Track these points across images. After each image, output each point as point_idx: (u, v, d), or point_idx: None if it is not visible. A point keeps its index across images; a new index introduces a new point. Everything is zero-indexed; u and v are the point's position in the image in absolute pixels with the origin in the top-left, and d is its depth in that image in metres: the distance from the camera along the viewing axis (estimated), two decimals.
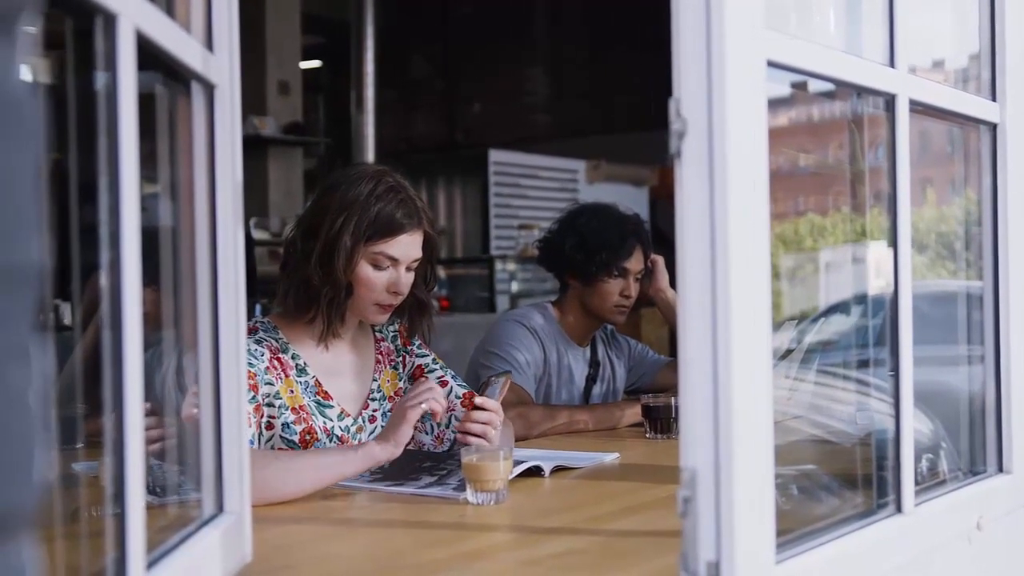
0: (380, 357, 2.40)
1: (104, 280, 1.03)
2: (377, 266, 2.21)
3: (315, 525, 1.83)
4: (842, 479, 1.76)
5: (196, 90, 1.36)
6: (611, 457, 2.38)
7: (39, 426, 0.59)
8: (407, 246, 2.22)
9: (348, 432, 2.27)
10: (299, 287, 2.22)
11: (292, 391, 2.20)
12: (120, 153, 1.02)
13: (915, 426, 1.59)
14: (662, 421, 2.67)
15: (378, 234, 2.19)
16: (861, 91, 1.58)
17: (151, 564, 1.11)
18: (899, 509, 1.54)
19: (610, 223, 3.06)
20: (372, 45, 8.69)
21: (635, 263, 3.05)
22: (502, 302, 7.44)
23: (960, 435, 1.94)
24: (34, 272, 0.59)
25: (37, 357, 0.59)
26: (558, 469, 2.21)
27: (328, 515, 1.86)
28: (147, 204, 1.11)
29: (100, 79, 1.03)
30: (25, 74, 0.59)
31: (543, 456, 2.23)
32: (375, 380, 2.36)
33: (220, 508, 1.39)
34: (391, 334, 2.44)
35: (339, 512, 1.87)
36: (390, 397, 2.37)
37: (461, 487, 1.93)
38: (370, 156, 8.69)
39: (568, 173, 8.50)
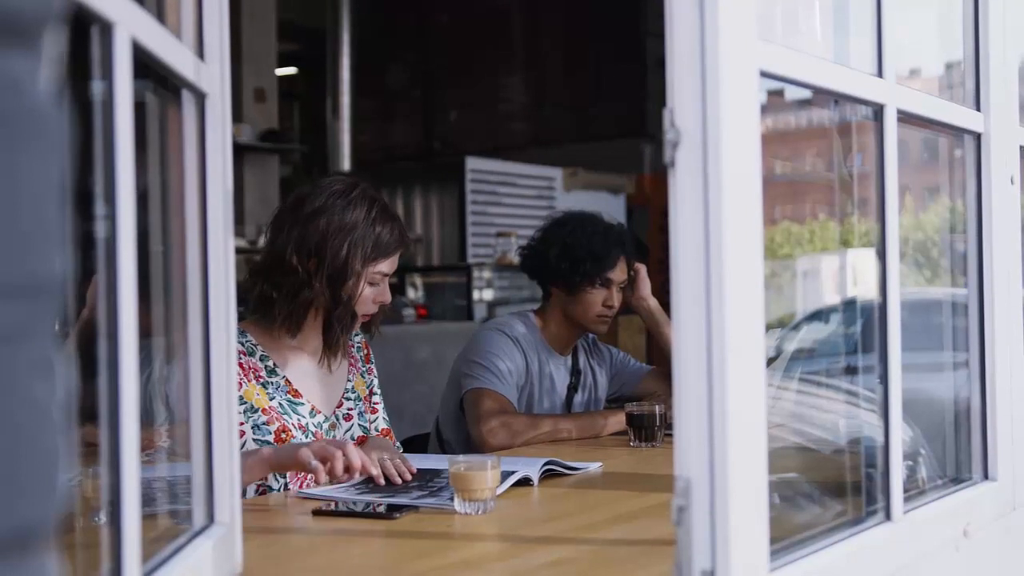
0: (352, 360, 2.49)
1: (100, 290, 1.02)
2: (372, 283, 2.33)
3: (305, 536, 1.82)
4: (828, 487, 1.77)
5: (187, 99, 1.35)
6: (595, 466, 2.38)
7: (63, 439, 0.59)
8: (396, 261, 2.37)
9: (321, 428, 2.35)
10: (303, 308, 2.29)
11: (259, 394, 2.26)
12: (116, 161, 1.01)
13: None
14: (646, 429, 2.68)
15: (380, 256, 2.32)
16: (850, 101, 1.59)
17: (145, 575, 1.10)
18: (888, 516, 1.54)
19: (595, 233, 3.06)
20: (348, 52, 8.69)
21: (619, 273, 3.06)
22: (480, 310, 7.42)
23: (943, 443, 1.95)
24: (58, 285, 0.58)
25: (59, 370, 0.59)
26: (547, 474, 2.21)
27: (318, 526, 1.85)
28: (136, 213, 1.11)
29: (95, 87, 1.03)
30: (49, 87, 0.59)
31: (528, 464, 2.23)
32: (349, 380, 2.46)
33: (211, 519, 1.38)
34: (356, 344, 2.54)
35: (329, 523, 1.86)
36: (364, 398, 2.48)
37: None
38: (346, 164, 8.68)
39: (545, 181, 8.50)
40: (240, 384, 2.22)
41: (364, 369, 2.52)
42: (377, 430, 2.45)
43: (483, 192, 8.20)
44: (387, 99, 10.48)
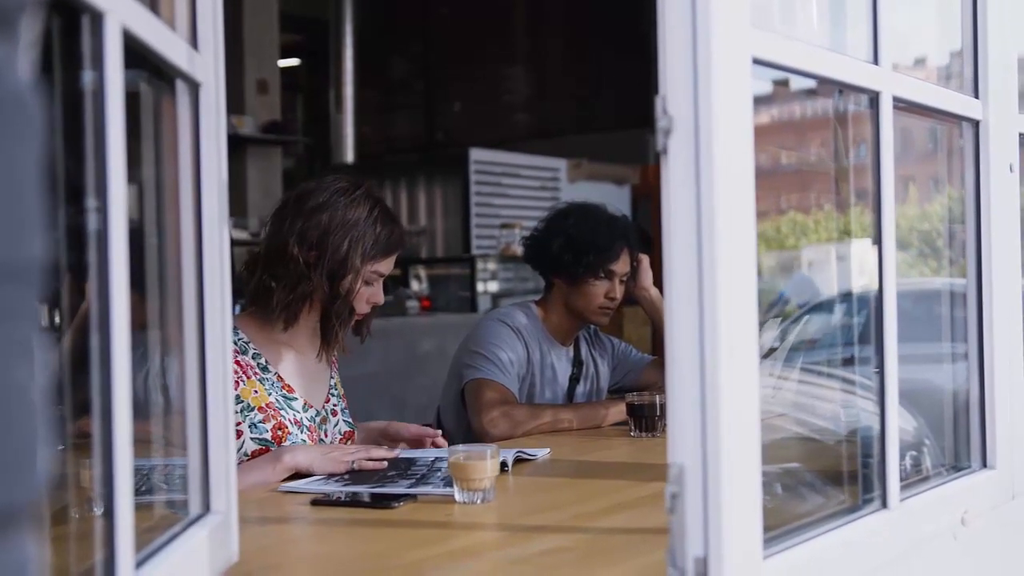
0: (334, 360, 2.53)
1: (91, 282, 1.02)
2: (367, 282, 2.36)
3: (302, 525, 1.83)
4: (827, 476, 1.77)
5: (181, 88, 1.35)
6: (543, 452, 2.41)
7: (42, 421, 0.59)
8: (392, 263, 2.41)
9: (314, 422, 2.38)
10: (300, 300, 2.31)
11: (256, 391, 2.29)
12: (107, 152, 1.01)
13: (899, 423, 1.59)
14: (647, 419, 2.68)
15: (379, 255, 2.34)
16: (845, 88, 1.59)
17: (139, 564, 1.11)
18: (884, 504, 1.54)
19: (599, 225, 3.05)
20: (351, 44, 8.69)
21: (622, 265, 3.05)
22: (484, 302, 7.42)
23: (944, 431, 1.95)
24: (37, 268, 0.59)
25: (40, 353, 0.59)
26: (518, 461, 2.26)
27: (315, 515, 1.86)
28: (130, 204, 1.11)
29: (86, 77, 1.03)
30: (26, 72, 0.59)
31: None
32: (332, 378, 2.50)
33: (207, 508, 1.39)
34: None
35: (326, 512, 1.87)
36: (342, 396, 2.53)
37: (448, 483, 1.93)
38: (349, 156, 8.68)
39: (549, 172, 8.49)
40: (237, 383, 2.24)
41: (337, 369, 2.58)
42: (340, 433, 2.47)
43: (487, 183, 8.20)
44: (390, 91, 10.49)
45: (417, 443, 2.46)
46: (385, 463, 2.18)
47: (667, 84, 1.20)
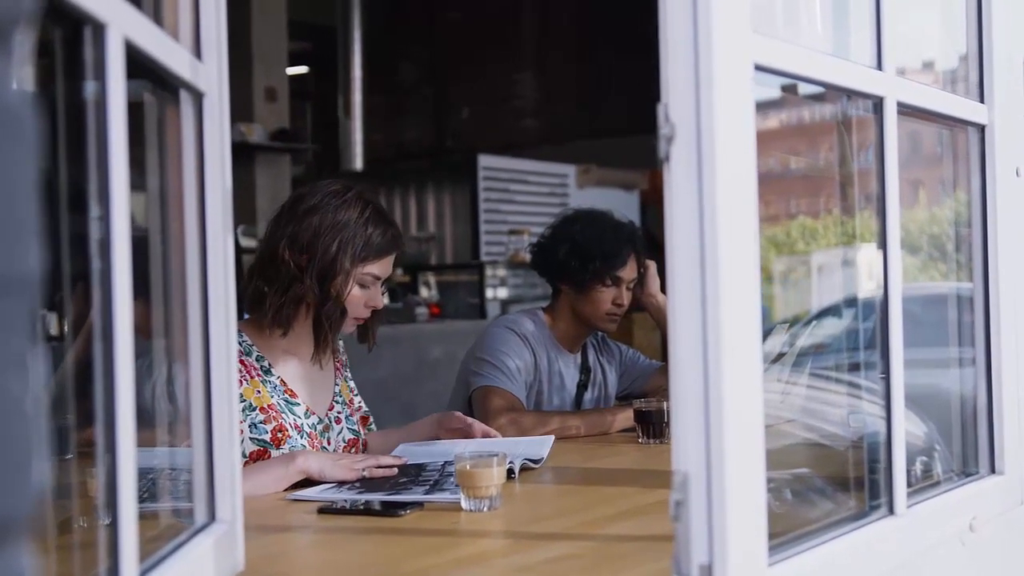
0: (338, 366, 2.53)
1: (94, 291, 1.03)
2: (362, 285, 2.35)
3: (307, 534, 1.82)
4: (835, 482, 1.76)
5: (185, 98, 1.36)
6: (548, 441, 2.45)
7: (37, 433, 0.59)
8: (389, 265, 2.39)
9: (315, 430, 2.38)
10: (293, 303, 2.31)
11: (259, 391, 2.30)
12: (110, 162, 1.02)
13: (908, 429, 1.59)
14: (654, 425, 2.67)
15: (371, 256, 2.33)
16: (849, 94, 1.58)
17: (144, 572, 1.11)
18: (891, 511, 1.54)
19: (605, 231, 3.05)
20: (359, 50, 8.69)
21: (628, 272, 3.05)
22: (492, 308, 7.42)
23: (952, 437, 1.94)
24: (33, 281, 0.59)
25: (34, 365, 0.59)
26: (524, 469, 2.26)
27: (321, 524, 1.86)
28: (134, 214, 1.11)
29: (89, 88, 1.03)
30: (22, 84, 0.59)
31: (501, 445, 2.33)
32: (336, 385, 2.50)
33: (212, 517, 1.39)
34: (340, 350, 2.59)
35: (333, 521, 1.86)
36: (348, 402, 2.51)
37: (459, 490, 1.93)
38: (358, 163, 8.68)
39: (558, 178, 8.49)
40: (240, 382, 2.24)
41: (346, 375, 2.56)
42: (344, 441, 2.48)
43: (496, 190, 8.20)
44: (398, 97, 10.49)
45: (465, 434, 2.49)
46: (395, 470, 2.18)
47: (669, 91, 1.20)
